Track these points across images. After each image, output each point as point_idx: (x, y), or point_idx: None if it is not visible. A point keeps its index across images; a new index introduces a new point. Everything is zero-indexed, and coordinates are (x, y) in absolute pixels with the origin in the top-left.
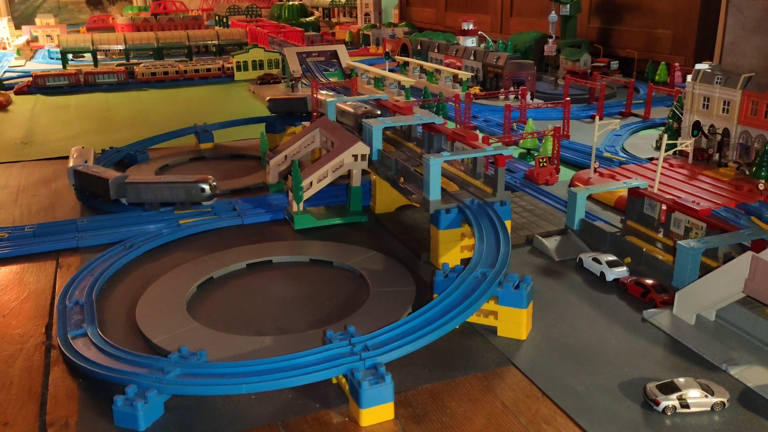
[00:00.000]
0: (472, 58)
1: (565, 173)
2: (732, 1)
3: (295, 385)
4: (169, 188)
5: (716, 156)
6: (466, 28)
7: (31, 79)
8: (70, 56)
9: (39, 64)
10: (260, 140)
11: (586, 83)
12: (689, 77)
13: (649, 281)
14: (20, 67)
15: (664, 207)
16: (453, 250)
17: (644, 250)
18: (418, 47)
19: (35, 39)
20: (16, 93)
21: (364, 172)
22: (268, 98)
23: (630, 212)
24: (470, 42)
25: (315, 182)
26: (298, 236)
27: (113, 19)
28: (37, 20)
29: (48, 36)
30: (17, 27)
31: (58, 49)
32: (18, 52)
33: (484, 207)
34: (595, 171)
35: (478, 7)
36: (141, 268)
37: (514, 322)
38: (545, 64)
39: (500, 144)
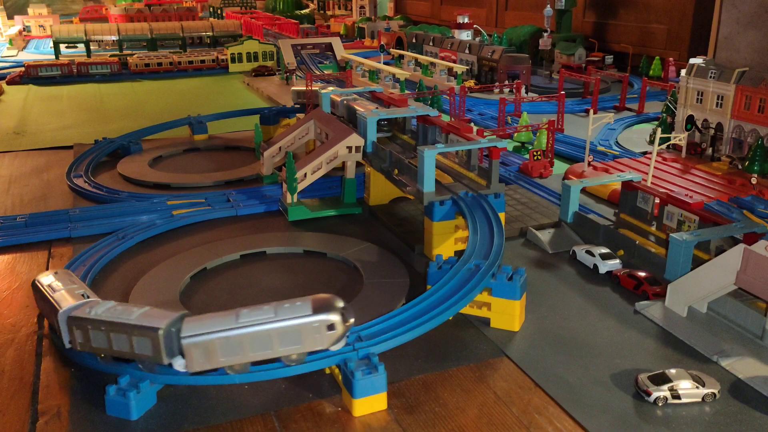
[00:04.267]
0: (467, 51)
1: (559, 166)
2: None
3: (288, 375)
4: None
5: (709, 150)
6: (461, 22)
7: (23, 69)
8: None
9: (31, 55)
10: (254, 132)
11: (581, 77)
12: (683, 72)
13: (642, 274)
14: (12, 57)
15: (657, 200)
16: (447, 241)
17: (637, 242)
18: (413, 40)
19: (28, 31)
20: (8, 83)
21: (358, 163)
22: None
23: (623, 205)
24: (465, 35)
25: (309, 174)
26: (292, 227)
27: (107, 9)
28: (30, 10)
29: (41, 26)
30: (9, 17)
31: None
32: (10, 42)
33: (478, 199)
34: (589, 164)
35: (473, 0)
36: (134, 258)
37: (507, 314)
38: (540, 58)
39: (495, 137)
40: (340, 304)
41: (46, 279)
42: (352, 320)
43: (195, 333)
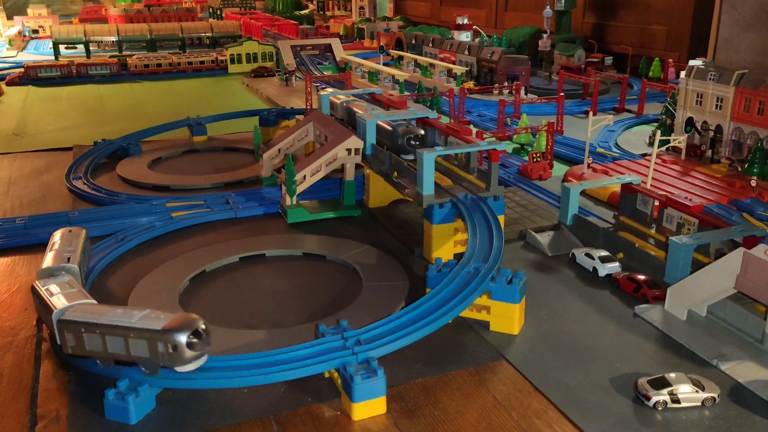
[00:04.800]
0: (466, 52)
1: (559, 168)
2: None
3: (288, 379)
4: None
5: (709, 152)
6: (460, 23)
7: (22, 70)
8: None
9: (31, 55)
10: (253, 133)
11: (580, 79)
12: (683, 73)
13: (641, 277)
14: (12, 57)
15: (656, 203)
16: (446, 244)
17: (637, 245)
18: (413, 41)
19: (35, 32)
20: (8, 84)
21: (357, 166)
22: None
23: (623, 208)
24: (465, 36)
25: (308, 176)
26: (291, 230)
27: (106, 10)
28: (30, 11)
29: (40, 27)
30: (9, 17)
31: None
32: (10, 42)
33: (477, 202)
34: (588, 166)
35: (472, 1)
36: (133, 260)
37: (506, 317)
38: (540, 59)
39: (494, 139)
40: (196, 327)
41: (57, 236)
42: (206, 349)
43: (70, 318)
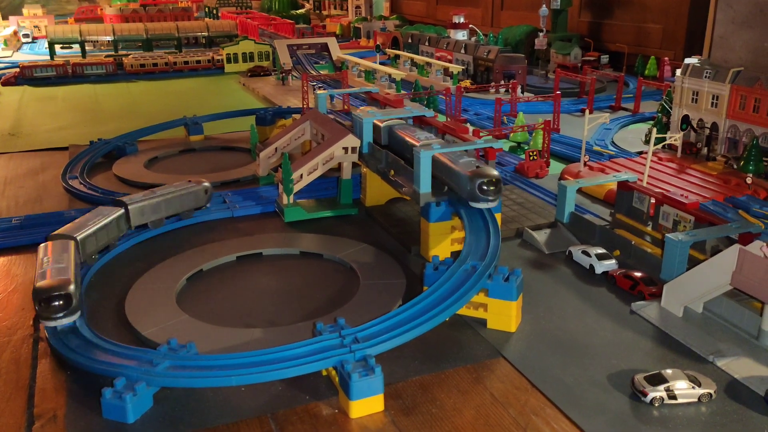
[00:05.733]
0: (463, 51)
1: (555, 166)
2: None
3: (285, 377)
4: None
5: (705, 150)
6: (457, 22)
7: (18, 69)
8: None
9: (26, 55)
10: (250, 132)
11: (577, 77)
12: (678, 71)
13: (638, 274)
14: (7, 57)
15: (653, 200)
16: (443, 242)
17: (633, 243)
18: (409, 40)
19: (27, 35)
20: (3, 84)
21: (354, 164)
22: None
23: (619, 205)
24: (461, 35)
25: (305, 175)
26: (288, 229)
27: (102, 9)
28: (25, 11)
29: (35, 27)
30: (4, 17)
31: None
32: (5, 42)
33: None
34: (584, 164)
35: (468, 0)
36: (130, 260)
37: (503, 315)
38: (536, 57)
39: (491, 137)
40: (51, 293)
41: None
42: (65, 312)
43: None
